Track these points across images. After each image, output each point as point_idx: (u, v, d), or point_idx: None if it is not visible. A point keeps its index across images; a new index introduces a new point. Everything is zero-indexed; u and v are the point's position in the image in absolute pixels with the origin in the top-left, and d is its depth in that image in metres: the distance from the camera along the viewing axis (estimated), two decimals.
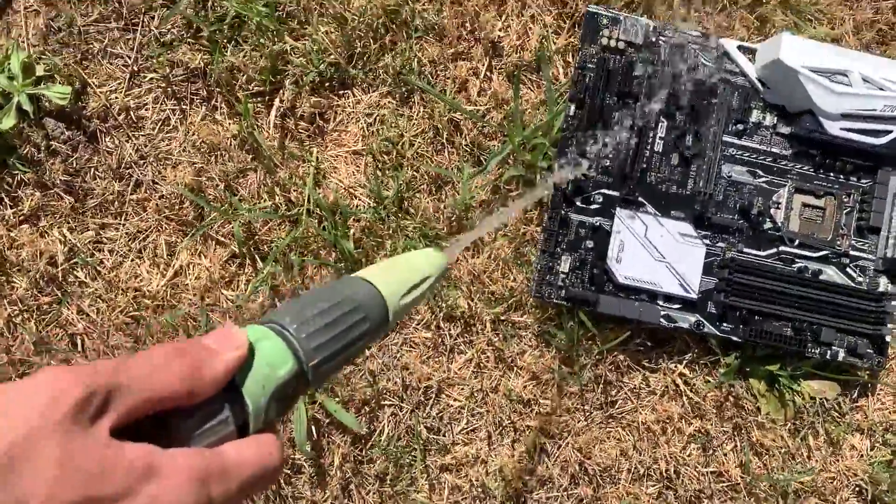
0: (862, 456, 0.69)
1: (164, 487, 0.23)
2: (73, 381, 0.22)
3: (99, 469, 0.22)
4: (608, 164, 0.67)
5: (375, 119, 0.69)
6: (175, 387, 0.25)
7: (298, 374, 0.30)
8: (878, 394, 0.70)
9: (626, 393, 0.69)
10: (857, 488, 0.69)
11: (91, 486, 0.22)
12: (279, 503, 0.67)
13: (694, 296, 0.66)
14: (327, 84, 0.69)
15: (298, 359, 0.30)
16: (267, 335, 0.30)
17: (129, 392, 0.24)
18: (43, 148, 0.66)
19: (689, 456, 0.69)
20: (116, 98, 0.67)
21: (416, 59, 0.68)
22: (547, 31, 0.69)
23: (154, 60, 0.67)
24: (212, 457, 0.25)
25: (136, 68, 0.68)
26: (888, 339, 0.67)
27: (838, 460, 0.69)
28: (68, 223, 0.67)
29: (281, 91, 0.68)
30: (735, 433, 0.69)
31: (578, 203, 0.67)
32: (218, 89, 0.68)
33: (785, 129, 0.68)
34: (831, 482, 0.69)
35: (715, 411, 0.69)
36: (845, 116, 0.65)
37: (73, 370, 0.23)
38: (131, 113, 0.68)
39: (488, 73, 0.69)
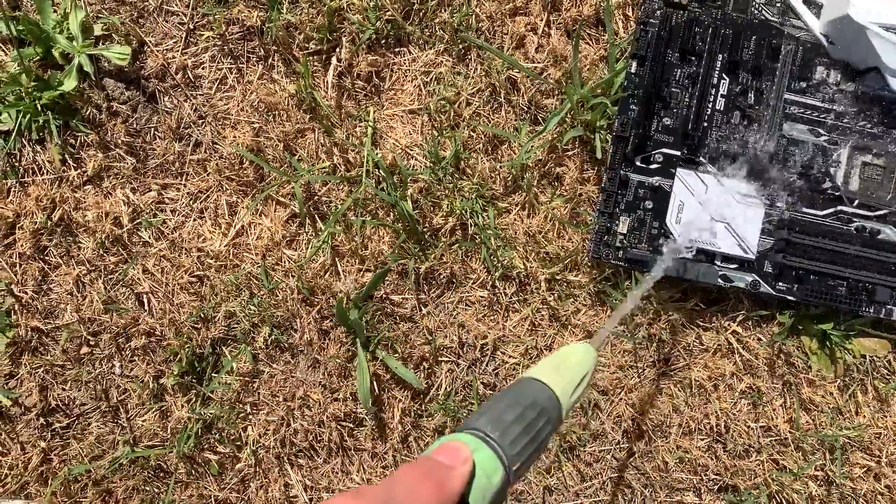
0: None
1: None
2: None
3: None
4: (669, 122, 0.66)
5: (432, 77, 0.68)
6: None
7: (505, 479, 0.35)
8: None
9: (679, 350, 0.70)
10: None
11: None
12: (342, 455, 0.70)
13: (752, 256, 0.66)
14: (384, 42, 0.68)
15: (504, 465, 0.35)
16: (479, 445, 0.35)
17: None
18: (104, 109, 0.66)
19: (739, 411, 0.70)
20: (174, 57, 0.67)
21: (473, 16, 0.67)
22: None
23: (210, 18, 0.67)
24: None
25: (192, 26, 0.67)
26: None
27: (886, 416, 0.71)
28: (131, 184, 0.68)
29: (338, 49, 0.67)
30: (785, 389, 0.71)
31: (638, 163, 0.66)
32: (275, 48, 0.67)
33: (849, 87, 0.67)
34: (878, 438, 0.71)
35: (766, 368, 0.70)
36: None
37: (358, 498, 0.28)
38: (188, 72, 0.67)
39: (546, 29, 0.68)
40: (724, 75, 0.66)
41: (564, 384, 0.42)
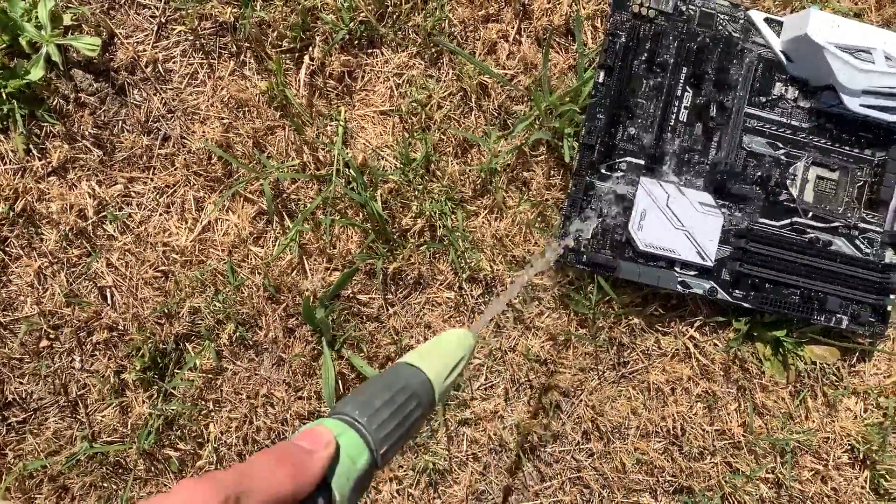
0: (856, 417, 0.73)
1: None
2: (212, 491, 0.27)
3: None
4: (634, 132, 0.68)
5: (404, 80, 0.69)
6: (287, 488, 0.30)
7: (371, 462, 0.35)
8: (875, 360, 0.74)
9: (638, 354, 0.72)
10: (850, 447, 0.73)
11: None
12: None
13: (710, 263, 0.68)
14: (357, 42, 0.69)
15: (370, 449, 0.35)
16: (345, 430, 0.35)
17: (253, 496, 0.29)
18: (71, 100, 0.65)
19: (694, 415, 0.72)
20: (144, 50, 0.66)
21: (446, 20, 0.68)
22: None
23: (182, 13, 0.66)
24: None
25: (163, 20, 0.67)
26: (889, 308, 0.70)
27: (834, 421, 0.73)
28: (97, 176, 0.67)
29: (311, 48, 0.68)
30: (739, 394, 0.73)
31: (603, 170, 0.68)
32: (247, 45, 0.67)
33: (806, 103, 0.70)
34: (826, 442, 0.73)
35: (722, 373, 0.72)
36: (866, 93, 0.67)
37: (208, 482, 0.27)
38: (159, 66, 0.67)
39: (518, 37, 0.70)
40: (688, 88, 0.69)
41: (438, 369, 0.42)
